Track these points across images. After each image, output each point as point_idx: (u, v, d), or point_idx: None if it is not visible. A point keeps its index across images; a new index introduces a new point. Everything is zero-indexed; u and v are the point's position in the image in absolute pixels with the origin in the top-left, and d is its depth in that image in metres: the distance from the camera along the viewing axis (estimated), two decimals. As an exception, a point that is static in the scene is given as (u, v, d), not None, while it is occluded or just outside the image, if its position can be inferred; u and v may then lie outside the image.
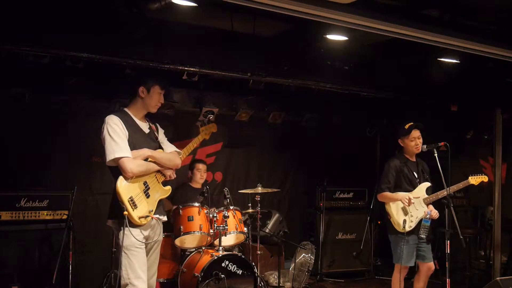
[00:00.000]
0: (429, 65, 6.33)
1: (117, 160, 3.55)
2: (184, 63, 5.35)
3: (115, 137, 3.58)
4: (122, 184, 3.56)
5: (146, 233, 3.70)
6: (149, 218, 3.66)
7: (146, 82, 3.82)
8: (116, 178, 3.59)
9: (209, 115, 6.52)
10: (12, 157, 5.67)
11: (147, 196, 3.71)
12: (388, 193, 4.94)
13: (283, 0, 3.82)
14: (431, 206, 4.92)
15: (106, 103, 5.94)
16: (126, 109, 3.85)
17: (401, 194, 4.90)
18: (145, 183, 3.72)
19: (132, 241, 3.57)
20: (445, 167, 4.48)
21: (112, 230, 3.89)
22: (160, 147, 3.94)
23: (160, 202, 3.86)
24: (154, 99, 3.83)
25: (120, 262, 3.60)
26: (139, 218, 3.58)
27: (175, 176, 3.94)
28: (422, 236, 4.71)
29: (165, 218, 3.96)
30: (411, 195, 4.89)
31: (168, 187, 3.91)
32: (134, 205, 3.58)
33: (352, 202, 7.35)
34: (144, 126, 3.88)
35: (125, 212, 3.50)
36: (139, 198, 3.64)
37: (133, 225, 3.58)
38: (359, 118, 7.92)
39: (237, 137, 7.31)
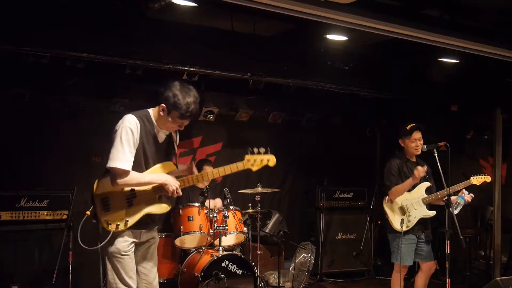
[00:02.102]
0: (429, 65, 6.34)
1: (114, 169, 3.33)
2: (184, 63, 5.35)
3: (125, 144, 3.31)
4: (98, 184, 3.46)
5: (132, 239, 3.47)
6: (120, 227, 3.37)
7: (169, 103, 3.35)
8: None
9: (209, 115, 6.53)
10: (12, 157, 5.67)
11: (130, 204, 3.42)
12: (396, 186, 4.87)
13: (283, 0, 3.83)
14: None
15: (106, 103, 5.95)
16: (150, 110, 3.48)
17: (410, 179, 4.79)
18: (132, 190, 3.43)
19: (118, 248, 3.40)
20: (445, 167, 4.48)
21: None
22: (170, 158, 3.62)
23: (150, 216, 3.48)
24: (170, 124, 3.43)
25: (105, 265, 3.45)
26: (107, 222, 3.37)
27: (180, 193, 3.49)
28: (454, 211, 4.51)
29: (151, 236, 3.60)
30: (409, 195, 4.90)
31: (165, 205, 3.51)
32: (106, 208, 3.40)
33: (352, 202, 7.34)
34: (162, 134, 3.54)
35: (88, 212, 3.40)
36: (116, 202, 3.41)
37: (119, 232, 3.40)
38: (359, 118, 7.92)
39: (237, 137, 7.30)
